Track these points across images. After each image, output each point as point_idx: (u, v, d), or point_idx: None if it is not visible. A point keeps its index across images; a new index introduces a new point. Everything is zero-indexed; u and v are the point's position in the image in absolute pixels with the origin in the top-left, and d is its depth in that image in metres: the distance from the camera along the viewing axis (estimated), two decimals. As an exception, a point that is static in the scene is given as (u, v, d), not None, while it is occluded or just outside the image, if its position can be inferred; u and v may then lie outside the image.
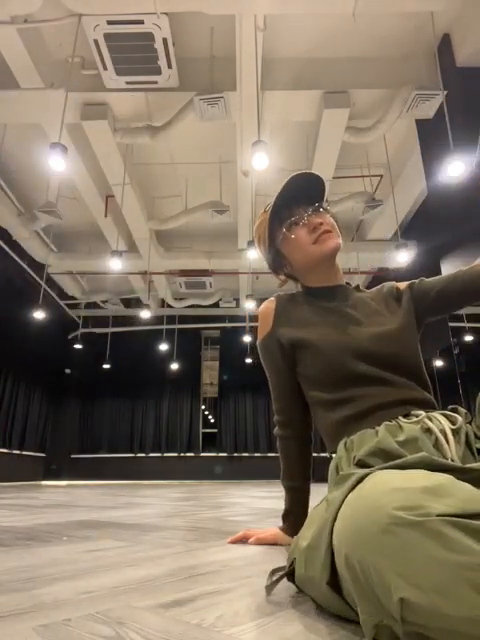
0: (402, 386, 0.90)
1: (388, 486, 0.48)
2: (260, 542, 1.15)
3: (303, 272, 1.09)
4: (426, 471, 0.52)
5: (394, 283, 1.10)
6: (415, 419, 0.82)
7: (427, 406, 0.89)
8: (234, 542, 1.17)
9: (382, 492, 0.48)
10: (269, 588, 0.67)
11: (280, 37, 4.45)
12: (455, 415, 0.83)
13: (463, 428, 0.80)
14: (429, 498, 0.44)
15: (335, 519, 0.54)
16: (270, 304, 1.12)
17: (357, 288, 1.13)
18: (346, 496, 0.54)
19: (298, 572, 0.63)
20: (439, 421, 0.81)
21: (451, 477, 0.50)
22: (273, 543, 1.13)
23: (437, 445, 0.76)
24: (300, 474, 1.12)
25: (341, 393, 0.92)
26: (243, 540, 1.18)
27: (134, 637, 0.50)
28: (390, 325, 0.97)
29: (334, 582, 0.53)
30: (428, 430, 0.79)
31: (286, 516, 1.13)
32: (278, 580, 0.67)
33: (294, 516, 1.10)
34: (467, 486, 0.48)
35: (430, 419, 0.82)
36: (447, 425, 0.79)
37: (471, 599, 0.37)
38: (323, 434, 0.98)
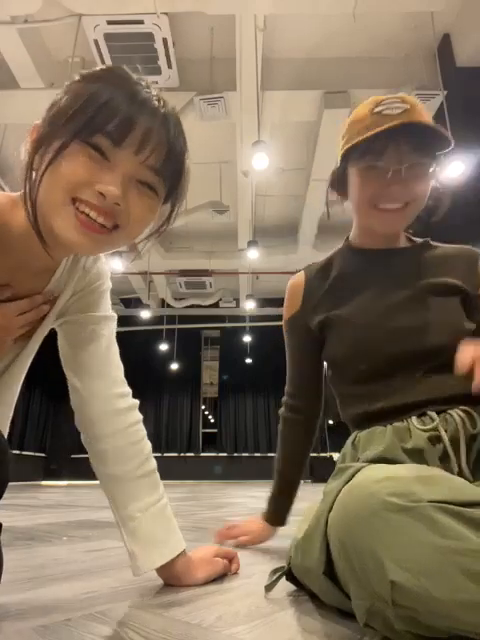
0: (438, 381, 0.74)
1: (380, 475, 0.50)
2: (247, 543, 1.12)
3: (355, 220, 0.90)
4: (418, 464, 0.54)
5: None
6: (430, 423, 0.70)
7: (462, 401, 0.72)
8: (221, 540, 1.14)
9: (375, 480, 0.49)
10: (268, 587, 0.67)
11: (280, 37, 4.44)
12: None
13: None
14: (420, 486, 0.45)
15: (330, 510, 0.55)
16: (299, 280, 0.96)
17: (427, 245, 0.90)
18: (342, 488, 0.55)
19: (294, 562, 0.63)
20: (455, 424, 0.69)
21: (442, 470, 0.51)
22: (259, 542, 1.12)
23: (444, 455, 0.67)
24: (296, 460, 1.06)
25: (365, 387, 0.79)
26: (230, 538, 1.14)
27: (134, 637, 0.50)
28: (443, 311, 0.78)
29: (330, 572, 0.53)
30: (438, 438, 0.68)
31: (272, 500, 1.09)
32: (277, 579, 0.67)
33: (279, 502, 1.08)
34: (458, 479, 0.49)
35: (446, 420, 0.70)
36: (463, 430, 0.68)
37: (460, 583, 0.38)
38: (346, 421, 0.88)
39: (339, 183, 0.88)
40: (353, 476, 0.56)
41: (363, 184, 0.79)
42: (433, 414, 0.72)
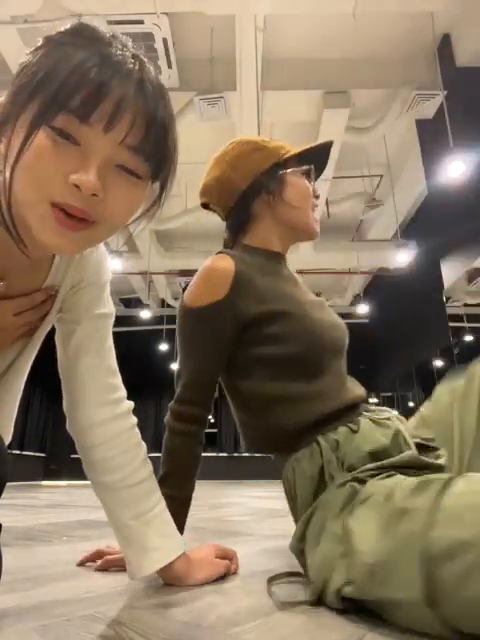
0: (353, 381, 0.89)
1: None
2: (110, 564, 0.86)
3: (276, 228, 0.95)
4: None
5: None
6: (386, 417, 0.81)
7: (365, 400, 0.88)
8: (84, 562, 0.92)
9: None
10: (272, 593, 0.65)
11: (280, 37, 4.44)
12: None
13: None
14: None
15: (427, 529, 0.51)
16: (227, 265, 0.83)
17: None
18: (435, 503, 0.52)
19: (362, 590, 0.54)
20: (393, 416, 0.83)
21: None
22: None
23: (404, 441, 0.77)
24: (190, 481, 0.92)
25: (316, 385, 0.81)
26: (95, 560, 0.91)
27: (134, 637, 0.50)
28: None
29: (430, 600, 0.48)
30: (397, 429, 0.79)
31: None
32: (301, 603, 0.61)
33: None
34: None
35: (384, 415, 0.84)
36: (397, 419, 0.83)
37: None
38: (272, 432, 0.83)
39: (270, 185, 0.93)
40: (442, 491, 0.53)
41: (307, 185, 0.94)
42: (381, 409, 0.85)
